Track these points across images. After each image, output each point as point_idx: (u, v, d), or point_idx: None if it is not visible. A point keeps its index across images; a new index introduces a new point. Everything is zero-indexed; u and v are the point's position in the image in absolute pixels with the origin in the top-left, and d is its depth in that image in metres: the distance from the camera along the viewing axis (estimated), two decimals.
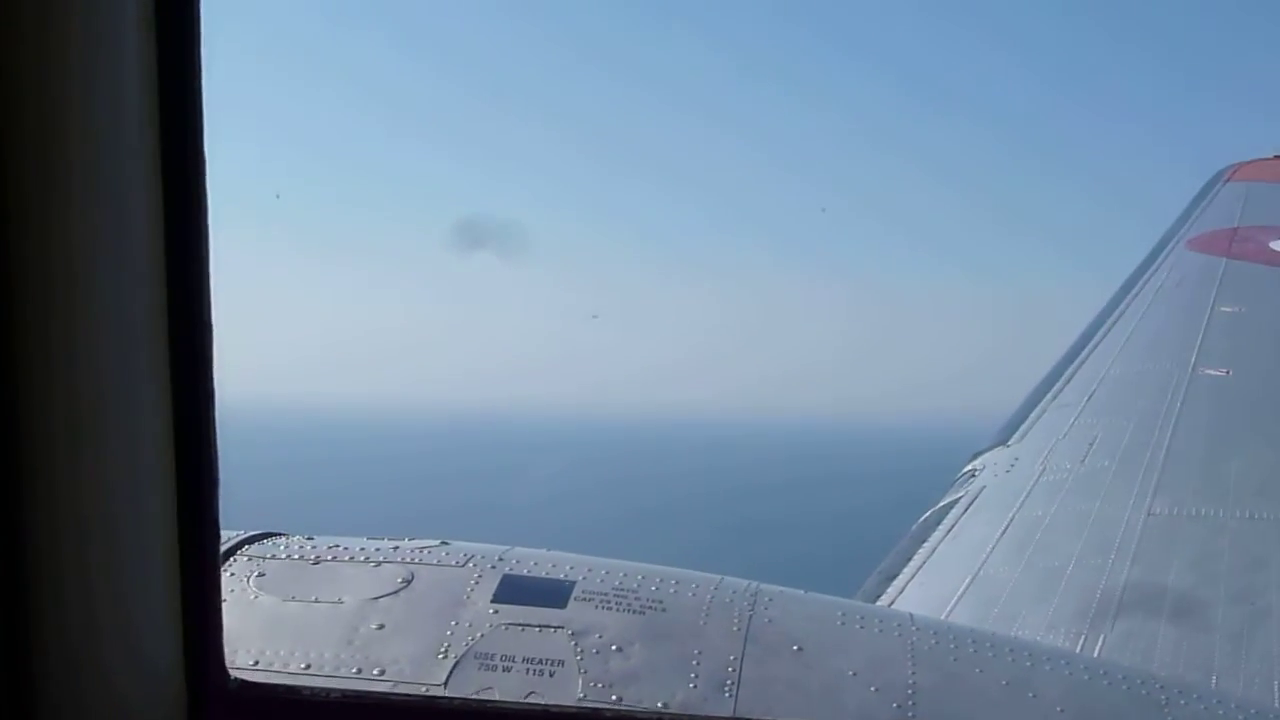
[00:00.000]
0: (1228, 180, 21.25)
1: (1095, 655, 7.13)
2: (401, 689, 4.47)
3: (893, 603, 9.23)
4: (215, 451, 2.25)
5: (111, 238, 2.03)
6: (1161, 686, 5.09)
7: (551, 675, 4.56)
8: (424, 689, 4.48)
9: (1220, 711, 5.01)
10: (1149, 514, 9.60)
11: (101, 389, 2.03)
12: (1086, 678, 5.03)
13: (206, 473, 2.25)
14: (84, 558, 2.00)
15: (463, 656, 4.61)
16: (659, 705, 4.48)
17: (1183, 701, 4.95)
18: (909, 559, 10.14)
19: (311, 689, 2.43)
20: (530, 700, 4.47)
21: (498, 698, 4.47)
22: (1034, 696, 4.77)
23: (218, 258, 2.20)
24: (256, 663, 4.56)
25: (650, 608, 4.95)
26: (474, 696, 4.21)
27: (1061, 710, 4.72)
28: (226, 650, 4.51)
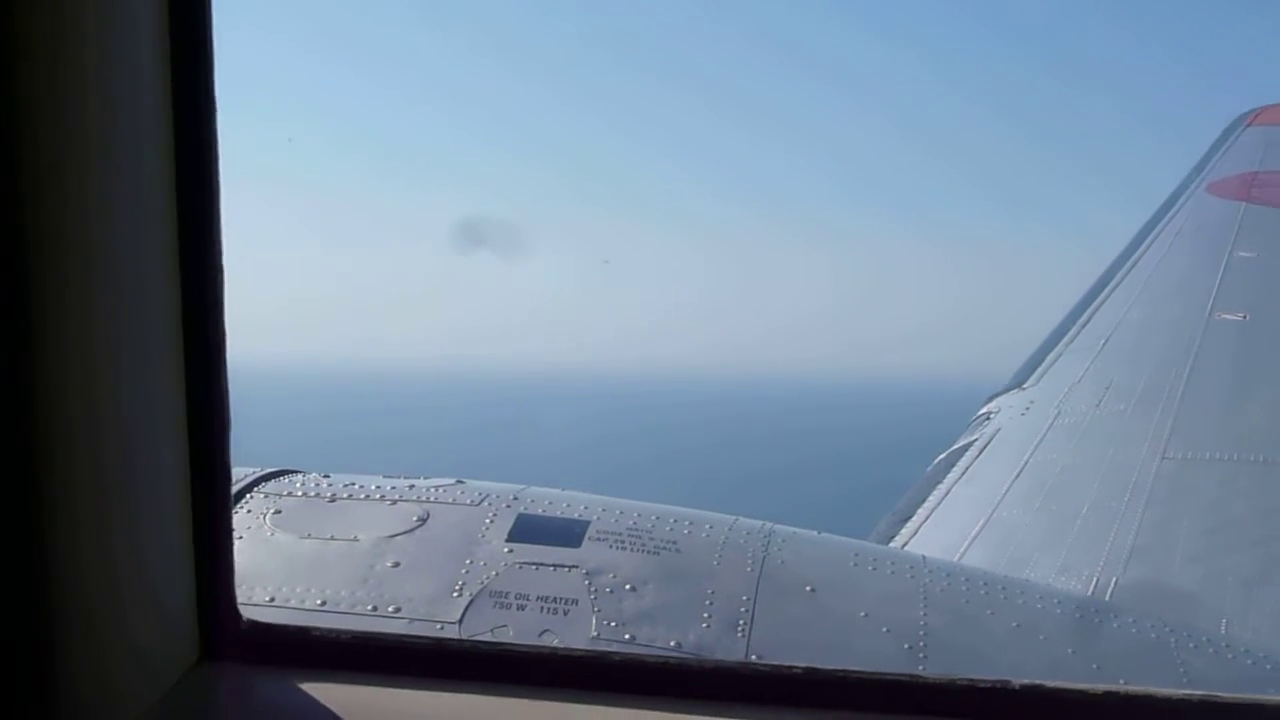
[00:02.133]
0: (1249, 125, 21.04)
1: (1107, 599, 7.15)
2: (416, 627, 4.52)
3: (906, 544, 9.25)
4: (226, 400, 2.26)
5: (129, 196, 2.05)
6: (1171, 631, 5.11)
7: (565, 614, 4.60)
8: (439, 626, 4.53)
9: (1229, 656, 5.04)
10: (1164, 458, 9.59)
11: (115, 334, 2.03)
12: (1097, 621, 5.06)
13: (218, 422, 2.26)
14: (99, 506, 2.01)
15: (477, 595, 4.65)
16: (671, 644, 4.52)
17: (1192, 645, 4.98)
18: (923, 501, 10.15)
19: (321, 630, 2.44)
20: (543, 640, 4.52)
21: (512, 636, 4.51)
22: (1044, 639, 4.81)
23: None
24: (272, 599, 4.61)
25: (664, 548, 4.98)
26: (484, 639, 4.24)
27: (1072, 652, 4.75)
28: (243, 587, 4.57)
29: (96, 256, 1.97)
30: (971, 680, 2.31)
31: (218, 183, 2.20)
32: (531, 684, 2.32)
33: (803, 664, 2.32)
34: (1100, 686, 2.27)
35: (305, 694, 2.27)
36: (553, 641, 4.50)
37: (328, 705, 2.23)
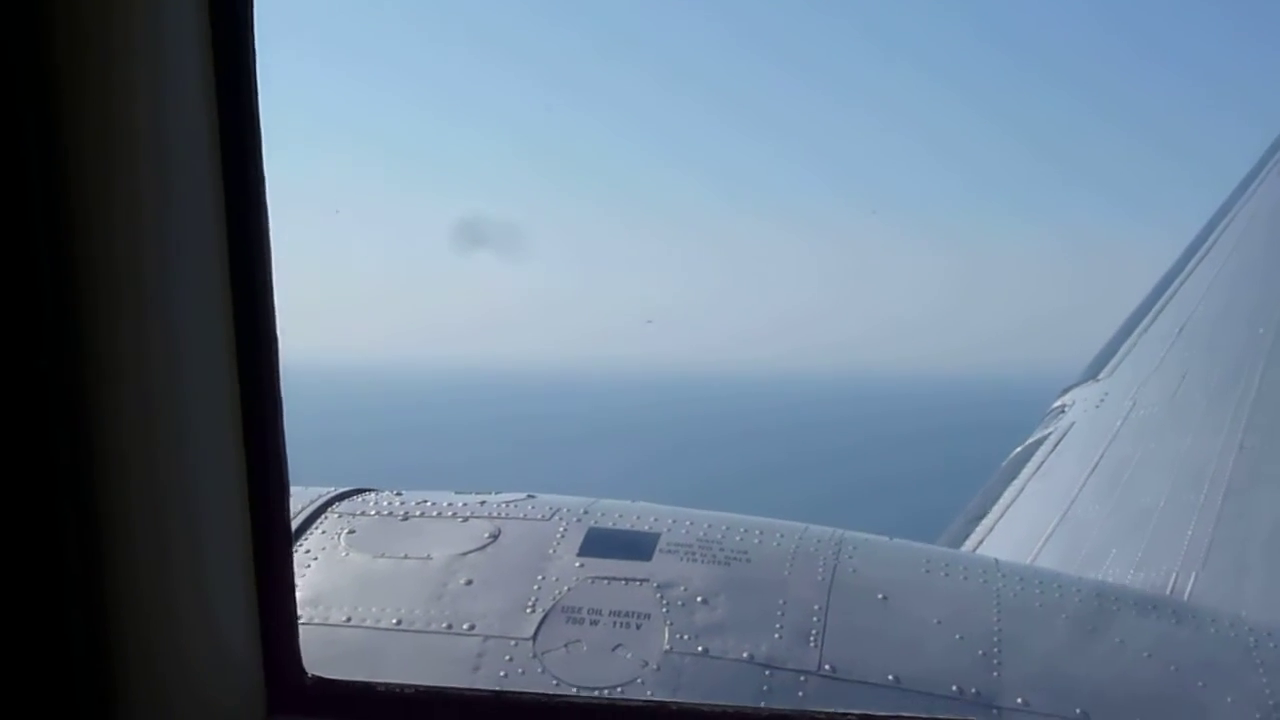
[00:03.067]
0: None
1: (1185, 596, 7.06)
2: (490, 644, 4.57)
3: (980, 543, 9.19)
4: (284, 453, 2.28)
5: (176, 211, 2.07)
6: (1250, 630, 5.04)
7: (638, 628, 4.63)
8: (513, 643, 4.58)
9: None
10: (1241, 448, 9.43)
11: (172, 375, 2.06)
12: (1174, 622, 5.01)
13: (275, 475, 2.29)
14: (163, 563, 2.04)
15: (550, 610, 4.69)
16: (744, 655, 4.53)
17: (1272, 644, 4.91)
18: (997, 498, 10.07)
19: (385, 684, 2.49)
20: (617, 655, 4.55)
21: (585, 651, 4.55)
22: (1121, 643, 4.76)
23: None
24: (349, 619, 4.68)
25: (735, 558, 5.00)
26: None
27: (1149, 656, 4.70)
28: (319, 607, 4.64)
29: (145, 284, 1.99)
30: None
31: (264, 189, 2.20)
32: None
33: (858, 711, 2.33)
34: None
35: None
36: (626, 656, 4.53)
37: None
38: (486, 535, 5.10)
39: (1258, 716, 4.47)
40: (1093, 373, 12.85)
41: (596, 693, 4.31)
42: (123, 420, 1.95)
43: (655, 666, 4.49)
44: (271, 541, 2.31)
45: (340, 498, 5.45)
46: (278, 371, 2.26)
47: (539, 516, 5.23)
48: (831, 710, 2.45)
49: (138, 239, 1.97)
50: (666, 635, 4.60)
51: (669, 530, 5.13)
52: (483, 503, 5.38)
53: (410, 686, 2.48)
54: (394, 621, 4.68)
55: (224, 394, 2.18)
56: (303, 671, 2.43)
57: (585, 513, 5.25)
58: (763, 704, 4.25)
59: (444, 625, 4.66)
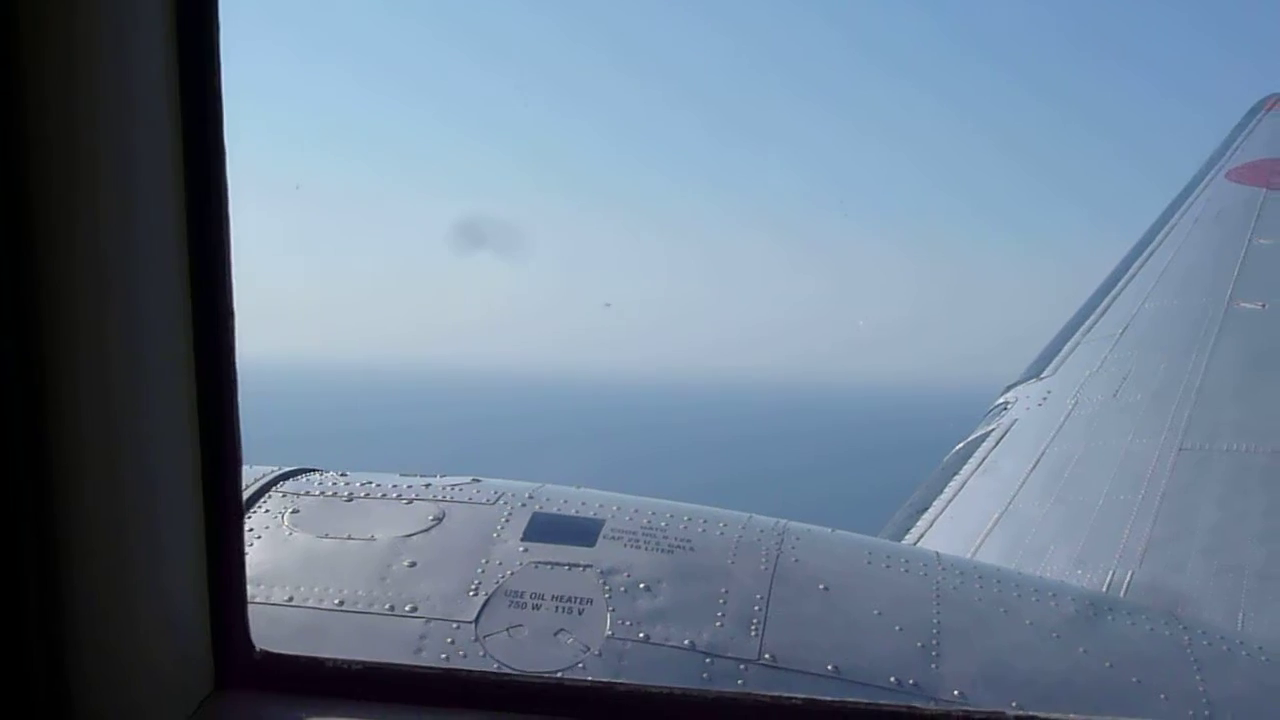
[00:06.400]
0: (1268, 110, 20.89)
1: (1122, 593, 7.15)
2: (432, 626, 4.56)
3: (921, 536, 9.26)
4: (238, 430, 2.28)
5: (137, 191, 2.06)
6: (1185, 628, 5.11)
7: (580, 613, 4.63)
8: (455, 625, 4.56)
9: (1243, 653, 5.04)
10: (1181, 449, 9.56)
11: (129, 350, 2.05)
12: (1110, 619, 5.06)
13: (230, 451, 2.28)
14: (115, 537, 2.04)
15: (493, 594, 4.68)
16: (685, 643, 4.54)
17: (1205, 643, 4.98)
18: (939, 493, 10.15)
19: (334, 660, 2.48)
20: (558, 640, 4.55)
21: (527, 635, 4.54)
22: (1057, 637, 4.81)
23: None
24: (290, 599, 4.64)
25: (678, 546, 5.00)
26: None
27: (1084, 651, 4.75)
28: (262, 586, 4.60)
29: (108, 265, 1.99)
30: (967, 711, 2.33)
31: (226, 188, 2.22)
32: (539, 712, 2.35)
33: (801, 695, 2.34)
34: (1096, 718, 2.32)
35: None
36: (568, 641, 4.53)
37: None
38: (431, 518, 5.08)
39: (1190, 713, 4.53)
40: (1036, 371, 12.98)
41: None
42: (79, 394, 1.95)
43: (597, 652, 4.49)
44: (224, 517, 2.31)
45: (285, 477, 5.41)
46: (233, 349, 2.26)
47: (484, 500, 5.21)
48: (774, 694, 2.46)
49: (97, 220, 1.97)
50: (609, 621, 4.60)
51: (613, 517, 5.13)
52: (427, 485, 5.35)
53: (358, 662, 2.48)
54: (336, 602, 4.65)
55: (180, 370, 2.18)
56: (251, 646, 2.42)
57: (530, 498, 5.24)
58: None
59: (386, 607, 4.64)
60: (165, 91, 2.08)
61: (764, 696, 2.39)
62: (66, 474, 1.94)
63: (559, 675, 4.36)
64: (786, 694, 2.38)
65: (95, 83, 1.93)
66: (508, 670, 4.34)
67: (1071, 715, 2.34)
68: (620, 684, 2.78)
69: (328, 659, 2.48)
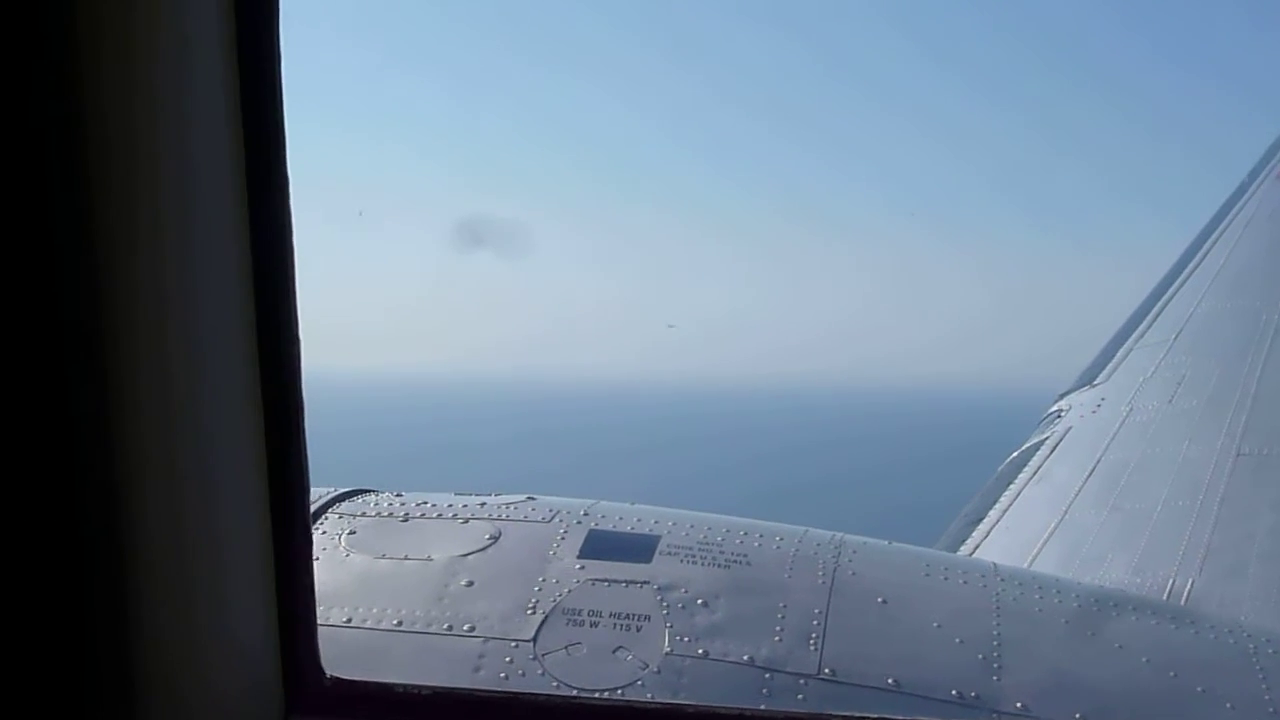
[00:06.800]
0: None
1: (1183, 601, 7.07)
2: (490, 645, 4.58)
3: (977, 547, 9.19)
4: (304, 456, 2.28)
5: (199, 211, 2.06)
6: (1249, 635, 5.05)
7: (638, 630, 4.64)
8: (513, 645, 4.58)
9: None
10: (1238, 454, 9.44)
11: (194, 375, 2.05)
12: (1173, 627, 5.02)
13: (296, 475, 2.28)
14: (182, 562, 2.04)
15: (551, 612, 4.70)
16: (744, 658, 4.54)
17: (1270, 650, 4.92)
18: (994, 502, 10.07)
19: (403, 685, 2.49)
20: (617, 657, 4.55)
21: (585, 653, 4.55)
22: (1119, 647, 4.77)
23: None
24: (349, 620, 4.68)
25: (735, 561, 5.00)
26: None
27: (1147, 661, 4.71)
28: (320, 608, 4.64)
29: (169, 277, 1.98)
30: None
31: (288, 194, 2.20)
32: None
33: (859, 714, 2.34)
34: None
35: None
36: (627, 658, 4.53)
37: None
38: (487, 537, 5.11)
39: None
40: (1089, 378, 12.85)
41: (597, 694, 4.32)
42: (144, 420, 1.95)
43: (656, 669, 4.49)
44: (291, 542, 2.31)
45: (341, 498, 5.46)
46: (299, 372, 2.25)
47: (539, 518, 5.23)
48: (831, 713, 2.46)
49: (160, 238, 1.96)
50: (667, 638, 4.61)
51: (669, 533, 5.14)
52: (483, 504, 5.39)
53: (428, 687, 2.48)
54: (395, 623, 4.68)
55: (246, 394, 2.18)
56: (321, 672, 2.43)
57: (585, 514, 5.26)
58: (763, 707, 4.25)
59: (445, 626, 4.66)
60: (225, 96, 2.08)
61: (834, 717, 2.38)
62: (131, 500, 1.94)
63: (619, 692, 4.37)
64: (844, 713, 2.38)
65: (155, 88, 1.93)
66: (567, 689, 4.35)
67: None
68: (689, 705, 2.77)
69: (397, 684, 2.49)
